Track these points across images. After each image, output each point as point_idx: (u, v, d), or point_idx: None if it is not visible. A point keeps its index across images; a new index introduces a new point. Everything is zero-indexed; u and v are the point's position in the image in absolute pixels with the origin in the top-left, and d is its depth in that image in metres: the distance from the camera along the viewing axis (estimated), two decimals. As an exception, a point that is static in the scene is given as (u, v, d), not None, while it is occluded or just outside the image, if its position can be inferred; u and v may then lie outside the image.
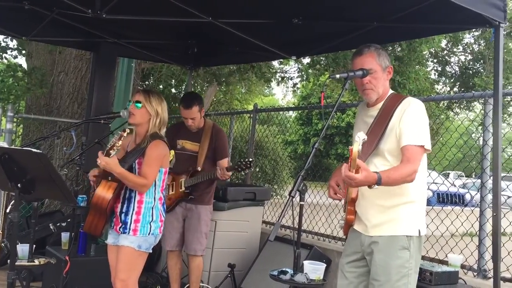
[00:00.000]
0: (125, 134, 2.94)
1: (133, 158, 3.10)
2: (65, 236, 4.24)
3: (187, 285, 4.19)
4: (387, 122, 2.49)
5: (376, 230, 2.51)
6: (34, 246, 3.60)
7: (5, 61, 9.09)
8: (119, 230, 3.10)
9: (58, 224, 4.95)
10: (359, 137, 2.07)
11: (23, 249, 3.41)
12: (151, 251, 3.17)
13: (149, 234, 3.08)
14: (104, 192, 3.02)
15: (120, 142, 2.92)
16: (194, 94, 4.44)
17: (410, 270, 2.44)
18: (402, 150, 2.40)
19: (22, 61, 9.95)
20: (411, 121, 2.43)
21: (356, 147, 2.07)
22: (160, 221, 3.17)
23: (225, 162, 4.11)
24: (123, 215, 3.09)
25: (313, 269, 2.68)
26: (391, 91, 2.63)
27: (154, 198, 3.14)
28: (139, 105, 3.11)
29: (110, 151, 2.90)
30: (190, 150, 4.14)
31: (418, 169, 2.38)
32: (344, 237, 4.57)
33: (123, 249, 3.05)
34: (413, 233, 2.46)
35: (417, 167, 2.37)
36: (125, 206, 3.11)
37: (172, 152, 3.42)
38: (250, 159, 3.79)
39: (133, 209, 3.09)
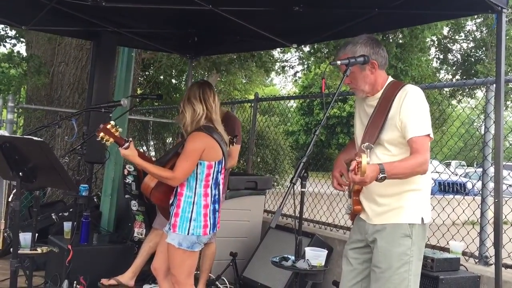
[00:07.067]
0: (108, 126, 2.81)
1: (171, 154, 3.07)
2: (67, 225, 4.26)
3: (198, 272, 4.20)
4: (386, 112, 2.47)
5: (380, 218, 2.51)
6: (37, 235, 3.61)
7: (5, 50, 9.03)
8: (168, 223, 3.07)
9: (60, 214, 4.96)
10: (367, 148, 2.06)
11: (25, 237, 3.42)
12: (196, 250, 3.00)
13: (188, 234, 2.92)
14: (150, 180, 3.04)
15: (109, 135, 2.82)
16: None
17: (411, 258, 2.44)
18: (409, 142, 2.38)
19: (22, 50, 9.87)
20: (412, 111, 2.40)
21: (365, 159, 2.08)
22: (204, 221, 2.96)
23: (234, 149, 3.79)
24: (170, 207, 3.05)
25: (315, 256, 2.68)
26: (390, 79, 2.59)
27: (195, 192, 2.97)
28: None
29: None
30: None
31: (429, 159, 2.37)
32: (345, 225, 4.60)
33: (168, 246, 3.01)
34: (415, 221, 2.46)
35: (428, 156, 2.37)
36: (172, 198, 3.06)
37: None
38: None
39: (175, 202, 3.01)
